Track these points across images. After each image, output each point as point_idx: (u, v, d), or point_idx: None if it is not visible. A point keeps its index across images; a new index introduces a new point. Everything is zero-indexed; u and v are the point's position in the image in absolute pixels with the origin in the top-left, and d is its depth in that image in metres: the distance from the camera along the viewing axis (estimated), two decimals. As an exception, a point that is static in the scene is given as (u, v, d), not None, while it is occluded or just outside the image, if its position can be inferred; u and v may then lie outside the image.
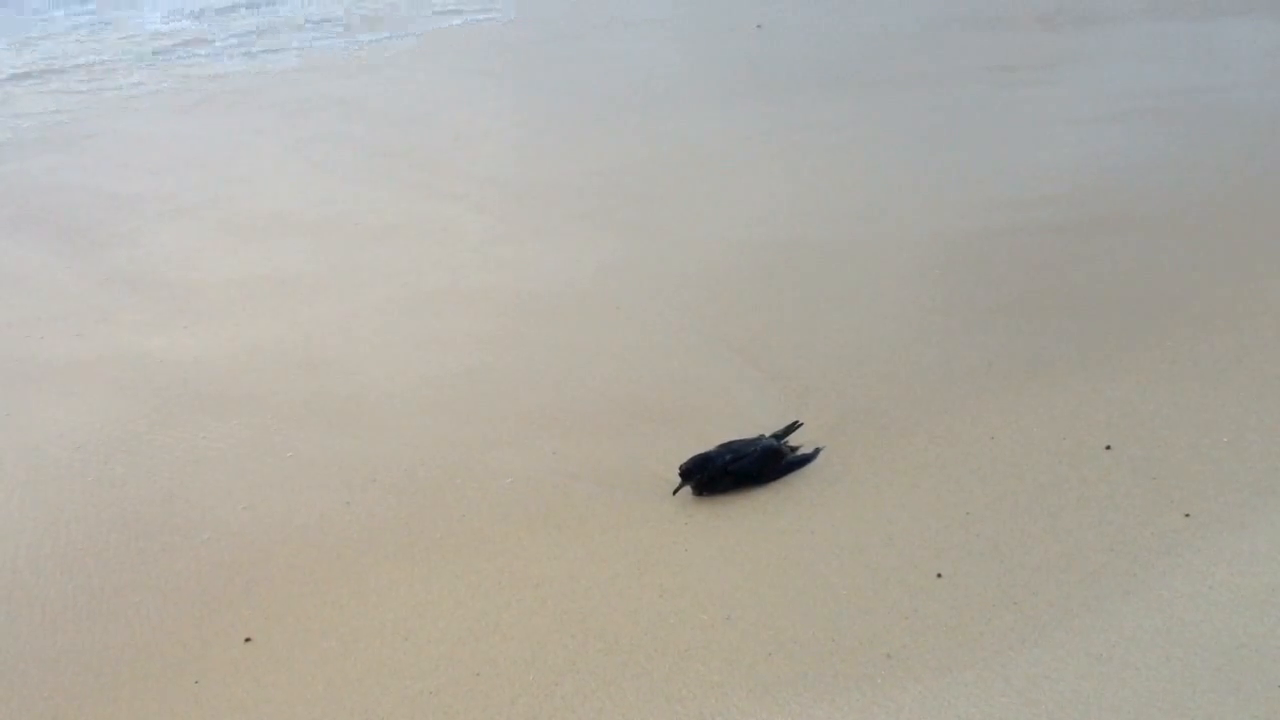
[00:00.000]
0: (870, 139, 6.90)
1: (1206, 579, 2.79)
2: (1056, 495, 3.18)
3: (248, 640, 2.84)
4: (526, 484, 3.43)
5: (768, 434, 3.45)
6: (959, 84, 8.04)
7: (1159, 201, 5.44)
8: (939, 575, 2.88)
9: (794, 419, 3.56)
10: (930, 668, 2.58)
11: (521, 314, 4.64)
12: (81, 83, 8.91)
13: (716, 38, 10.53)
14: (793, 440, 3.48)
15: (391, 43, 10.30)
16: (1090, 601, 2.75)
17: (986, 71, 8.40)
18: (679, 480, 3.27)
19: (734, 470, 3.28)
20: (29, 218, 5.99)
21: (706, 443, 3.36)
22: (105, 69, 9.26)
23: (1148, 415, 3.54)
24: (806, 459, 3.41)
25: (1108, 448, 3.38)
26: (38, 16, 10.59)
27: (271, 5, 10.24)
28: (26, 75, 9.26)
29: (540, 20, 11.58)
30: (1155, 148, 6.37)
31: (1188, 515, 3.05)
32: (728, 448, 3.32)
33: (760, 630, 2.73)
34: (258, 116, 8.15)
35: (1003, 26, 9.91)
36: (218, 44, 9.69)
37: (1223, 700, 2.41)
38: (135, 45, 9.80)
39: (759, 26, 10.57)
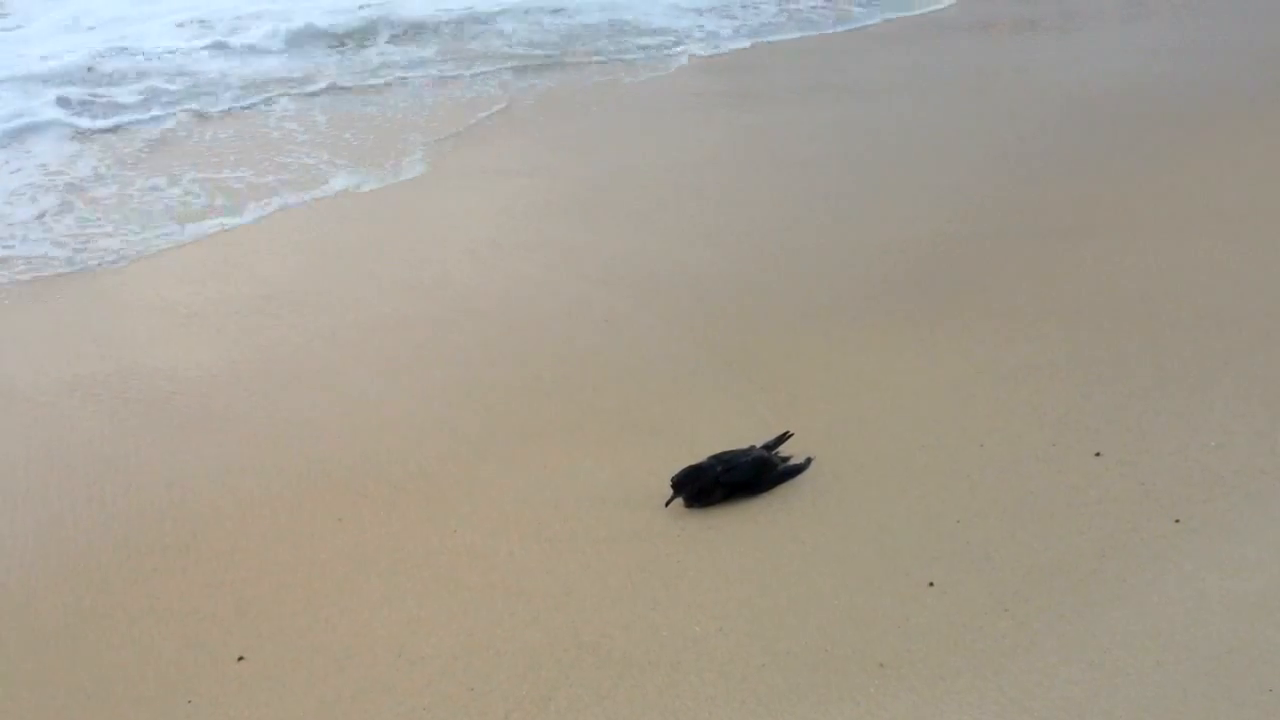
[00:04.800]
0: (850, 146, 6.93)
1: (1196, 584, 2.81)
2: (1046, 502, 3.19)
3: (240, 659, 2.83)
4: (517, 498, 3.43)
5: (758, 445, 3.46)
6: (937, 90, 8.08)
7: (1145, 206, 5.48)
8: (931, 584, 2.89)
9: (784, 429, 3.57)
10: (923, 676, 2.58)
11: (510, 327, 4.64)
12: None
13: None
14: (783, 450, 3.49)
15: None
16: (1081, 608, 2.76)
17: (969, 76, 8.45)
18: (670, 492, 3.27)
19: (725, 481, 3.28)
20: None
21: (697, 454, 3.36)
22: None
23: (1136, 421, 3.56)
24: (797, 469, 3.42)
25: (1097, 454, 3.40)
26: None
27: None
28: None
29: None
30: (1139, 150, 6.41)
31: (1177, 521, 3.06)
32: (719, 459, 3.33)
33: (753, 641, 2.74)
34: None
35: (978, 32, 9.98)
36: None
37: (1214, 704, 2.42)
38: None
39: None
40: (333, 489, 3.53)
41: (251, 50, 9.87)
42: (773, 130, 7.54)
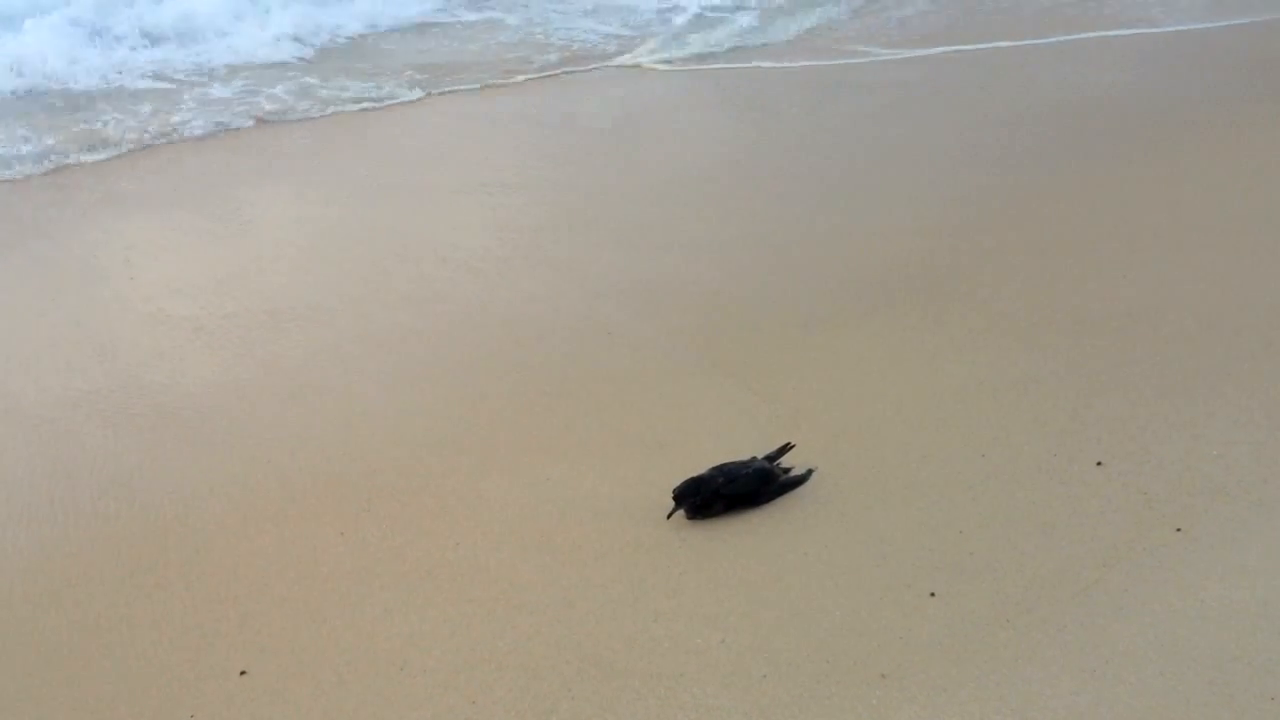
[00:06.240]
0: (850, 158, 6.94)
1: (1199, 593, 2.81)
2: (1048, 512, 3.19)
3: (243, 673, 2.83)
4: (520, 511, 3.44)
5: (760, 456, 3.46)
6: (937, 101, 8.10)
7: (1146, 216, 5.49)
8: (932, 594, 2.89)
9: (786, 440, 3.57)
10: (925, 687, 2.58)
11: (513, 340, 4.65)
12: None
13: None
14: (785, 462, 3.49)
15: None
16: (1083, 617, 2.76)
17: (968, 86, 8.47)
18: (672, 504, 3.27)
19: (727, 493, 3.29)
20: (18, 250, 6.00)
21: (699, 466, 3.37)
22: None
23: (1137, 430, 3.56)
24: (799, 480, 3.43)
25: (1098, 464, 3.40)
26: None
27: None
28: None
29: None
30: (1140, 160, 6.42)
31: (1179, 530, 3.06)
32: (720, 470, 3.33)
33: (755, 653, 2.74)
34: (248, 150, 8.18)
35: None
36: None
37: (1217, 714, 2.42)
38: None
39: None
40: (335, 503, 3.54)
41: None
42: (771, 141, 7.55)
